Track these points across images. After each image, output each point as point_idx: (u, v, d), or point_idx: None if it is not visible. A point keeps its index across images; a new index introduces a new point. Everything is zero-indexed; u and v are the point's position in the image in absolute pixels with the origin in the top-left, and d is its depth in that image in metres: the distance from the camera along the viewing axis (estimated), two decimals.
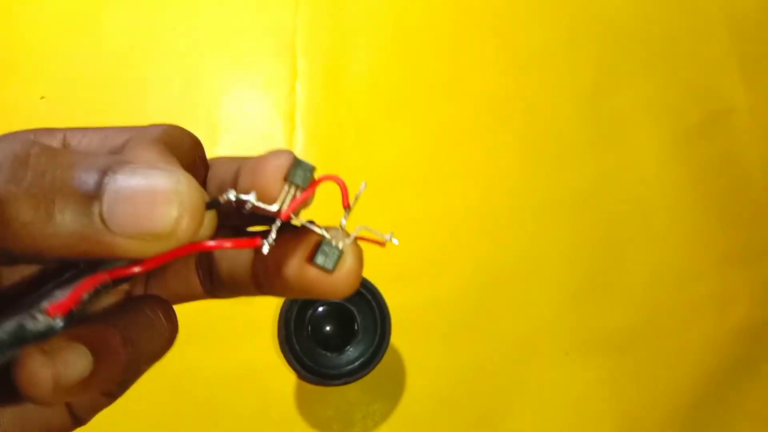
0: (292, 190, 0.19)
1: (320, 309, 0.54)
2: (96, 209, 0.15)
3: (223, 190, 0.18)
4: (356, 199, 0.19)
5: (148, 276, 0.22)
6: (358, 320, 0.53)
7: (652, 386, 0.59)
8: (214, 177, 0.21)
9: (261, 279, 0.20)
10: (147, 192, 0.16)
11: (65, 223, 0.15)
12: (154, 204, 0.16)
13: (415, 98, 0.63)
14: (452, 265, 0.59)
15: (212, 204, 0.17)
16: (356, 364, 0.52)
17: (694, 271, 0.62)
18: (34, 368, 0.16)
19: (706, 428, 0.58)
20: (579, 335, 0.59)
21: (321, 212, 0.21)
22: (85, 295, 0.16)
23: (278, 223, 0.18)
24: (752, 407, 0.59)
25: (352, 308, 0.54)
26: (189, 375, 0.54)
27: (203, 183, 0.21)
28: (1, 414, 0.19)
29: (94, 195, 0.15)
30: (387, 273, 0.56)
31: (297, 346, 0.52)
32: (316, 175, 0.19)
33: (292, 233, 0.19)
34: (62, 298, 0.16)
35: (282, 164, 0.18)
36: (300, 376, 0.52)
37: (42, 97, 0.60)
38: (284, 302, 0.53)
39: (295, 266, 0.19)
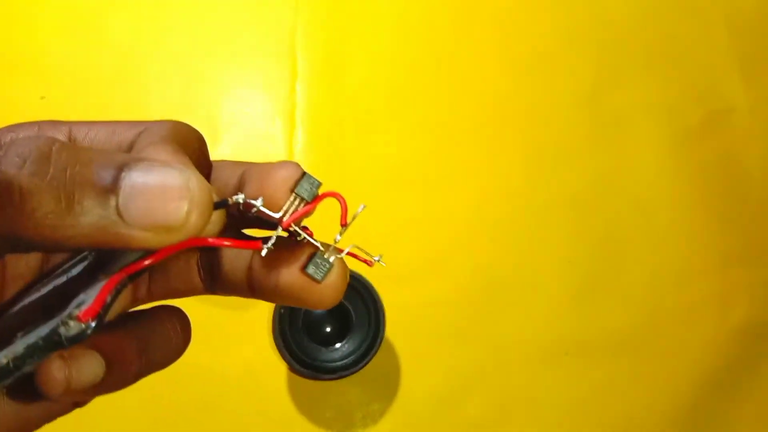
0: (296, 202, 0.20)
1: None
2: (113, 203, 0.16)
3: (224, 192, 0.19)
4: (353, 218, 0.21)
5: (152, 271, 0.23)
6: (353, 315, 0.54)
7: (652, 386, 0.59)
8: (217, 179, 0.22)
9: (254, 282, 0.21)
10: (160, 188, 0.17)
11: (84, 215, 0.16)
12: (167, 199, 0.17)
13: (415, 98, 0.63)
14: (452, 265, 0.59)
15: (220, 204, 0.18)
16: (351, 358, 0.52)
17: (694, 271, 0.61)
18: (51, 370, 0.18)
19: (706, 428, 0.58)
20: (579, 335, 0.59)
21: (319, 221, 0.22)
22: (108, 297, 0.17)
23: (279, 230, 0.19)
24: (752, 407, 0.59)
25: (347, 303, 0.54)
26: (189, 375, 0.54)
27: (207, 180, 0.22)
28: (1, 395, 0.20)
29: (111, 189, 0.16)
30: (387, 273, 0.56)
31: (291, 341, 0.52)
32: (321, 191, 0.20)
33: (288, 242, 0.20)
34: (88, 303, 0.17)
35: (291, 175, 0.20)
36: (294, 370, 0.52)
37: (42, 97, 0.60)
38: None
39: (288, 273, 0.20)
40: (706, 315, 0.61)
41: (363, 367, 0.52)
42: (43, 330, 0.17)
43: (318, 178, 0.20)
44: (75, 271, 0.22)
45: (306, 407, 0.55)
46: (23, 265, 0.21)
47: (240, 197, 0.19)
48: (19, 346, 0.17)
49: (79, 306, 0.17)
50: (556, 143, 0.63)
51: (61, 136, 0.21)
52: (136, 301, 0.23)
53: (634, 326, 0.60)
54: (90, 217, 0.16)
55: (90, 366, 0.19)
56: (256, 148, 0.61)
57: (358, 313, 0.54)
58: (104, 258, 0.21)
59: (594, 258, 0.61)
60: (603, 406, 0.58)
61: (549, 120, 0.64)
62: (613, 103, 0.64)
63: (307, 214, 0.20)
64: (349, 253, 0.21)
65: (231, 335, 0.56)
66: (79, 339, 0.17)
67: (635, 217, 0.62)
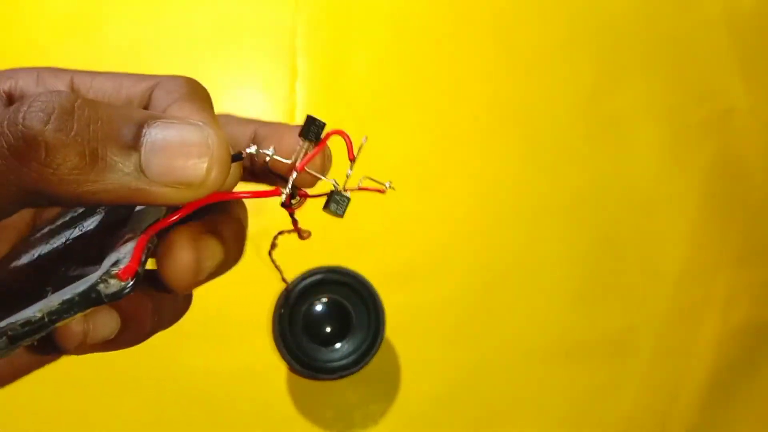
0: (306, 146, 0.21)
1: (315, 304, 0.54)
2: (135, 159, 0.17)
3: (236, 147, 0.20)
4: (359, 150, 0.22)
5: None
6: (353, 315, 0.54)
7: (652, 386, 0.59)
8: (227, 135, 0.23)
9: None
10: (181, 144, 0.17)
11: (107, 171, 0.17)
12: (188, 155, 0.17)
13: (415, 98, 0.63)
14: (452, 265, 0.59)
15: (235, 157, 0.19)
16: (351, 358, 0.52)
17: (694, 271, 0.61)
18: (70, 324, 0.18)
19: (706, 428, 0.58)
20: (579, 335, 0.59)
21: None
22: (143, 256, 0.18)
23: (294, 174, 0.21)
24: (752, 407, 0.59)
25: (347, 303, 0.54)
26: (189, 375, 0.54)
27: None
28: None
29: (133, 146, 0.17)
30: (387, 273, 0.56)
31: (291, 341, 0.52)
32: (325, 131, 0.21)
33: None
34: (125, 261, 0.18)
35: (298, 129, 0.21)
36: (294, 370, 0.52)
37: None
38: (279, 298, 0.53)
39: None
40: (706, 315, 0.61)
41: (363, 367, 0.52)
42: (80, 287, 0.18)
43: (321, 119, 0.21)
44: (89, 225, 0.22)
45: (306, 407, 0.55)
46: (17, 216, 0.21)
47: (253, 149, 0.20)
48: (53, 300, 0.18)
49: (116, 264, 0.18)
50: (557, 143, 0.63)
51: (62, 84, 0.21)
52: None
53: (634, 326, 0.60)
54: (113, 174, 0.17)
55: (107, 323, 0.19)
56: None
57: (358, 313, 0.54)
58: (119, 212, 0.21)
59: (594, 258, 0.61)
60: (603, 406, 0.58)
61: (549, 120, 0.64)
62: (613, 103, 0.64)
63: (317, 155, 0.21)
64: (361, 188, 0.23)
65: (231, 335, 0.56)
66: (118, 297, 0.17)
67: (635, 217, 0.62)
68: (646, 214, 0.62)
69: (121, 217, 0.21)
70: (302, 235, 0.25)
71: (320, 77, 0.62)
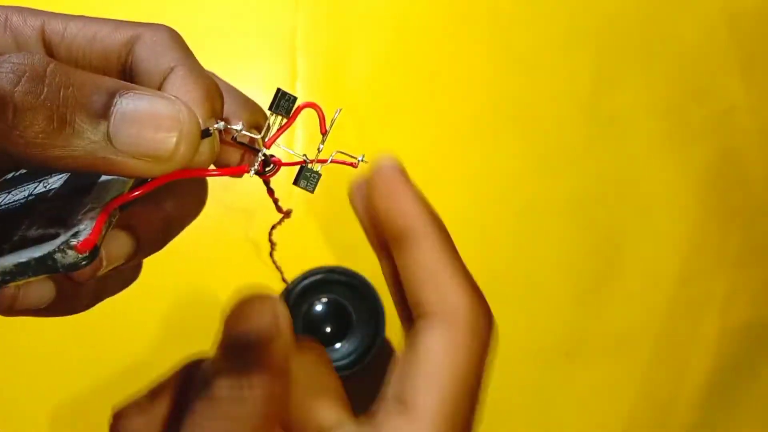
0: (276, 120, 0.21)
1: (315, 304, 0.54)
2: (103, 128, 0.17)
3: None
4: (332, 123, 0.22)
5: None
6: (353, 315, 0.54)
7: (652, 387, 0.59)
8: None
9: None
10: (151, 116, 0.17)
11: (75, 138, 0.16)
12: (157, 128, 0.17)
13: (415, 98, 0.63)
14: None
15: (204, 133, 0.19)
16: (351, 358, 0.52)
17: (694, 271, 0.61)
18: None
19: (707, 428, 0.58)
20: (579, 335, 0.59)
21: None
22: (104, 229, 0.18)
23: (264, 150, 0.20)
24: (752, 407, 0.59)
25: (347, 303, 0.54)
26: None
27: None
28: None
29: (103, 114, 0.17)
30: None
31: None
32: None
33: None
34: (85, 233, 0.17)
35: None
36: None
37: None
38: (279, 298, 0.53)
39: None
40: (706, 315, 0.61)
41: (363, 367, 0.52)
42: (36, 252, 0.17)
43: (293, 93, 0.21)
44: (54, 183, 0.22)
45: None
46: None
47: (221, 125, 0.19)
48: (8, 261, 0.18)
49: (76, 235, 0.17)
50: (556, 143, 0.63)
51: (32, 30, 0.21)
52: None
53: (634, 326, 0.60)
54: (80, 141, 0.16)
55: (40, 291, 0.19)
56: None
57: (358, 313, 0.54)
58: (87, 175, 0.21)
59: (594, 258, 0.61)
60: (603, 406, 0.58)
61: (549, 120, 0.64)
62: (613, 103, 0.64)
63: (286, 130, 0.21)
64: (333, 161, 0.22)
65: None
66: (74, 268, 0.17)
67: (635, 217, 0.62)
68: (646, 214, 0.62)
69: (87, 182, 0.21)
70: (282, 210, 0.24)
71: (320, 77, 0.62)
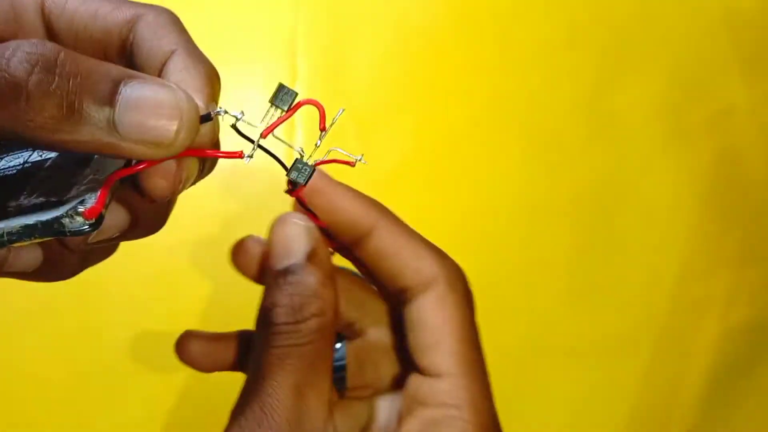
0: (275, 112, 0.22)
1: None
2: (108, 114, 0.18)
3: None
4: (332, 122, 0.22)
5: None
6: None
7: (652, 387, 0.59)
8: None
9: None
10: (153, 105, 0.18)
11: (82, 124, 0.17)
12: (159, 116, 0.18)
13: (415, 98, 0.63)
14: None
15: (205, 118, 0.20)
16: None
17: (694, 271, 0.61)
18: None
19: (707, 428, 0.58)
20: (578, 336, 0.59)
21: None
22: (107, 199, 0.19)
23: (259, 139, 0.21)
24: (752, 407, 0.59)
25: None
26: (191, 375, 0.54)
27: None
28: None
29: (109, 102, 0.18)
30: None
31: None
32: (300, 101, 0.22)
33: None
34: (91, 202, 0.19)
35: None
36: None
37: None
38: None
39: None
40: (706, 315, 0.61)
41: None
42: (44, 216, 0.19)
43: (294, 89, 0.22)
44: (50, 152, 0.23)
45: None
46: None
47: (222, 110, 0.21)
48: (14, 222, 0.19)
49: (82, 203, 0.19)
50: (557, 143, 0.63)
51: (32, 7, 0.22)
52: None
53: (634, 326, 0.60)
54: (87, 126, 0.17)
55: (27, 256, 0.21)
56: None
57: None
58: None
59: (594, 258, 0.61)
60: (603, 406, 0.58)
61: (549, 120, 0.64)
62: (614, 103, 0.64)
63: (283, 122, 0.21)
64: (329, 160, 0.23)
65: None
66: (79, 233, 0.19)
67: (635, 217, 0.62)
68: (646, 214, 0.62)
69: (84, 155, 0.22)
70: (320, 224, 0.25)
71: (320, 77, 0.62)
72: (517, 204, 0.61)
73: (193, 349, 0.29)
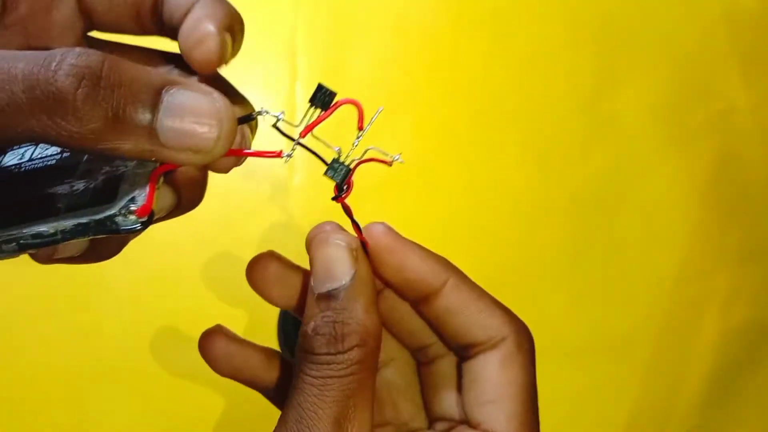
0: (314, 111, 0.22)
1: None
2: (151, 123, 0.18)
3: None
4: (371, 122, 0.24)
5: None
6: None
7: (652, 386, 0.59)
8: None
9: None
10: (193, 113, 0.19)
11: (124, 132, 0.18)
12: (200, 124, 0.19)
13: (415, 98, 0.63)
14: None
15: (245, 119, 0.21)
16: None
17: (694, 271, 0.62)
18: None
19: (707, 428, 0.58)
20: (579, 336, 0.59)
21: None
22: (155, 196, 0.20)
23: (299, 138, 0.22)
24: (752, 407, 0.59)
25: None
26: (191, 375, 0.54)
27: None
28: None
29: (151, 111, 0.18)
30: None
31: (295, 341, 0.52)
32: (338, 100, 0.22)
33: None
34: (141, 201, 0.19)
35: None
36: None
37: None
38: None
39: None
40: (706, 315, 0.61)
41: None
42: (97, 214, 0.19)
43: (333, 89, 0.23)
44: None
45: None
46: None
47: (264, 111, 0.22)
48: (68, 221, 0.19)
49: (133, 201, 0.19)
50: (557, 143, 0.63)
51: None
52: None
53: (634, 326, 0.60)
54: (130, 135, 0.18)
55: (75, 243, 0.22)
56: (256, 147, 0.61)
57: None
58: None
59: (594, 258, 0.61)
60: (603, 407, 0.58)
61: (549, 120, 0.64)
62: (614, 103, 0.64)
63: (322, 122, 0.22)
64: (366, 159, 0.23)
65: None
66: (132, 231, 0.19)
67: (635, 217, 0.62)
68: (646, 214, 0.62)
69: None
70: (361, 233, 0.25)
71: (320, 77, 0.62)
72: (516, 203, 0.61)
73: (218, 346, 0.28)
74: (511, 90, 0.64)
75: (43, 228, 0.19)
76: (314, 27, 0.63)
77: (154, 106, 0.18)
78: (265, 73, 0.62)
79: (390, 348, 0.28)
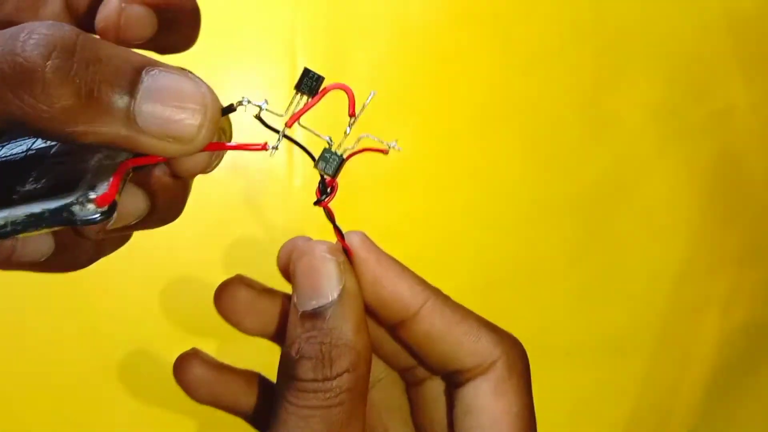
0: (301, 99, 0.20)
1: None
2: (128, 105, 0.16)
3: None
4: (363, 108, 0.21)
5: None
6: None
7: (652, 386, 0.59)
8: None
9: None
10: (176, 97, 0.17)
11: (99, 114, 0.16)
12: (182, 110, 0.17)
13: (415, 98, 0.63)
14: (451, 265, 0.59)
15: (227, 109, 0.19)
16: None
17: (694, 271, 0.61)
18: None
19: (707, 428, 0.58)
20: (579, 336, 0.59)
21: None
22: (120, 185, 0.18)
23: (285, 129, 0.20)
24: (752, 407, 0.59)
25: None
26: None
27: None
28: None
29: (129, 91, 0.16)
30: None
31: None
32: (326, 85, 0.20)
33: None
34: (103, 189, 0.17)
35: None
36: None
37: None
38: None
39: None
40: (706, 315, 0.61)
41: None
42: (52, 203, 0.17)
43: (320, 72, 0.20)
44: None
45: None
46: None
47: (245, 100, 0.19)
48: (19, 211, 0.17)
49: (93, 189, 0.17)
50: (556, 143, 0.63)
51: None
52: None
53: (634, 326, 0.60)
54: (105, 117, 0.16)
55: (37, 245, 0.19)
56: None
57: None
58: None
59: (594, 258, 0.61)
60: (603, 406, 0.58)
61: (549, 120, 0.64)
62: (614, 103, 0.64)
63: (308, 109, 0.20)
64: (360, 150, 0.21)
65: (236, 336, 0.56)
66: (90, 222, 0.17)
67: (635, 217, 0.62)
68: (646, 214, 0.62)
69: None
70: (343, 239, 0.23)
71: None
72: (517, 203, 0.61)
73: (195, 372, 0.26)
74: (511, 90, 0.64)
75: None
76: (314, 27, 0.63)
77: (133, 86, 0.16)
78: (265, 73, 0.62)
79: (376, 367, 0.26)
